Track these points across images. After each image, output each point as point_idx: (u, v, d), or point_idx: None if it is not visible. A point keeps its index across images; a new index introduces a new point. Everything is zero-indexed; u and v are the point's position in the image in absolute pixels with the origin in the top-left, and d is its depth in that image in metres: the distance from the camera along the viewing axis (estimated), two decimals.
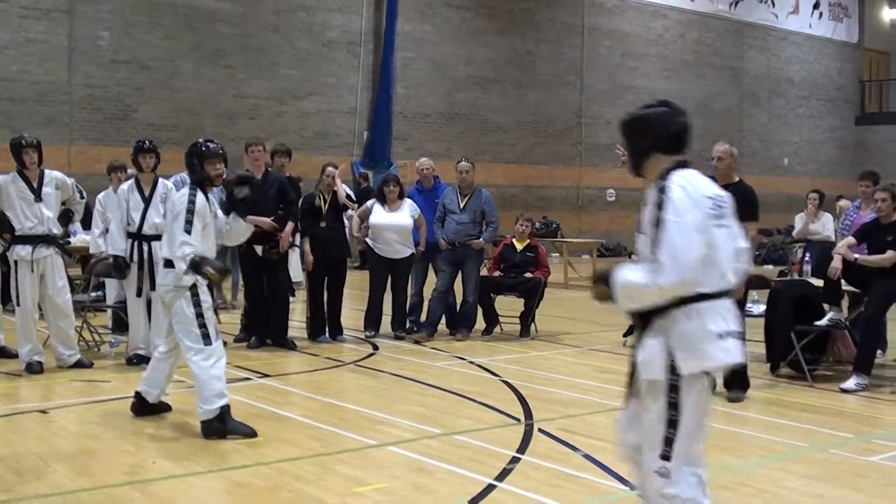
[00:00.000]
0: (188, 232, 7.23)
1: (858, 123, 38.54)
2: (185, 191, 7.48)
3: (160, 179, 10.29)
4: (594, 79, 30.21)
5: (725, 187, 8.44)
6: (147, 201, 10.07)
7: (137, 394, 7.82)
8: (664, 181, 4.27)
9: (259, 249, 11.13)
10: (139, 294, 10.08)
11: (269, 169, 11.67)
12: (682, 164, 4.42)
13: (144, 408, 7.81)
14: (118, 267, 10.06)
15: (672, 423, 4.25)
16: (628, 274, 4.28)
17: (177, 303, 7.29)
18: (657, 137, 4.49)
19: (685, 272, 4.06)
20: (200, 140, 7.77)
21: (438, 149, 25.07)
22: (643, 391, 4.35)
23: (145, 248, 10.03)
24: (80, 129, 20.97)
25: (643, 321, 4.34)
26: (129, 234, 10.07)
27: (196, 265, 7.14)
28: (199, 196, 7.41)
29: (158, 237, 9.93)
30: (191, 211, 7.28)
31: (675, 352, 4.19)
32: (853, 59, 38.78)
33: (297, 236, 11.82)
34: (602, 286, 4.45)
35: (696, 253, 4.08)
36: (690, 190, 4.22)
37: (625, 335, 12.05)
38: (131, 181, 10.30)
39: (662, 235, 4.11)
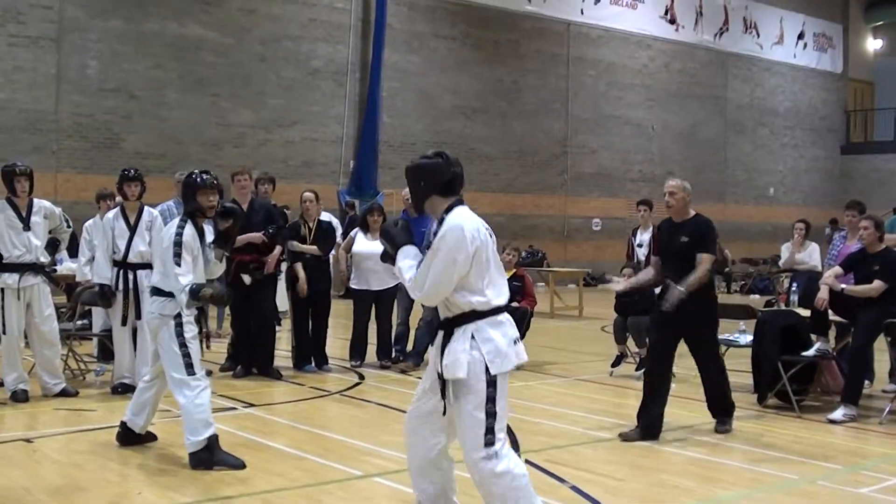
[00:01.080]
0: (178, 264, 7.20)
1: (843, 153, 38.77)
2: (175, 223, 7.45)
3: (146, 207, 10.28)
4: (579, 108, 30.34)
5: (682, 224, 8.57)
6: (133, 229, 10.06)
7: (123, 423, 7.77)
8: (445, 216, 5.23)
9: (246, 278, 11.11)
10: (124, 323, 10.05)
11: (255, 197, 11.67)
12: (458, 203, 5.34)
13: (130, 437, 7.76)
14: (104, 295, 10.03)
15: (491, 415, 5.02)
16: (405, 261, 5.27)
17: (161, 331, 7.27)
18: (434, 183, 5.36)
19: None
20: (196, 171, 7.71)
21: None
22: (452, 391, 5.14)
23: (131, 276, 10.01)
24: (67, 158, 20.96)
25: (447, 328, 5.23)
26: (115, 263, 10.05)
27: (194, 292, 7.16)
28: (188, 228, 7.38)
29: (144, 266, 9.95)
30: (178, 244, 7.25)
31: (485, 356, 5.08)
32: (837, 89, 39.04)
33: (282, 264, 11.81)
34: (383, 238, 5.45)
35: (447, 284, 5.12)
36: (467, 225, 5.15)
37: (612, 365, 12.07)
38: (116, 209, 10.29)
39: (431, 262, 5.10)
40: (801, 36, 37.30)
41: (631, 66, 31.78)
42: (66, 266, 12.73)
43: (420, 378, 11.24)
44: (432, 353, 5.43)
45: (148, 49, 22.08)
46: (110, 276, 10.02)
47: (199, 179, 7.54)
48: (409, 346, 12.41)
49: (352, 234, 12.30)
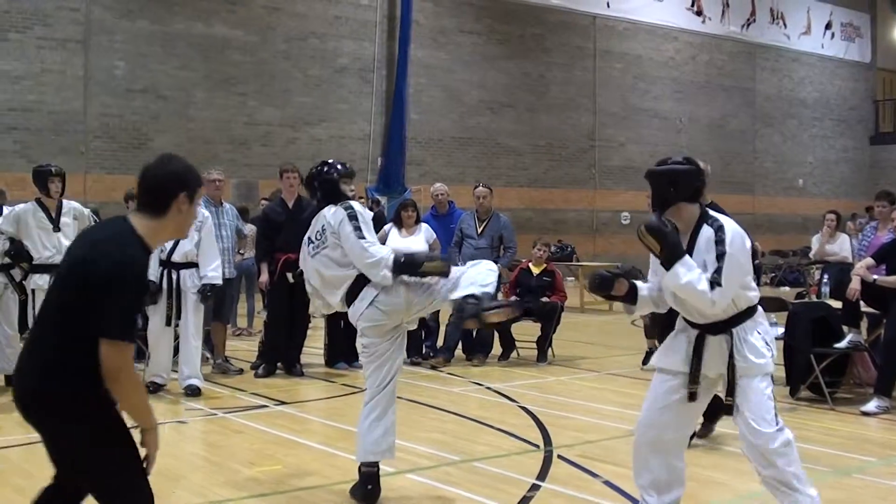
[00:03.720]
0: (363, 238, 6.25)
1: (873, 143, 38.45)
2: (335, 209, 6.53)
3: (198, 208, 10.25)
4: (607, 101, 30.25)
5: None
6: None
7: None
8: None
9: (289, 277, 11.06)
10: (168, 323, 10.06)
11: (301, 195, 11.56)
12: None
13: None
14: (150, 292, 10.00)
15: (771, 396, 5.20)
16: (691, 272, 5.08)
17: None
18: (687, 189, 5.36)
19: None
20: (327, 163, 6.85)
21: (452, 174, 25.13)
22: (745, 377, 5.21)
23: (174, 276, 10.03)
24: (95, 158, 21.09)
25: (721, 329, 5.25)
26: (160, 262, 10.06)
27: (403, 264, 6.22)
28: (356, 204, 6.64)
29: (188, 265, 9.99)
30: (353, 217, 6.36)
31: (769, 344, 5.31)
32: (866, 79, 38.75)
33: None
34: (652, 238, 5.14)
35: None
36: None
37: (644, 361, 12.01)
38: None
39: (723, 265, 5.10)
40: (828, 26, 37.03)
41: (658, 59, 31.66)
42: None
43: (450, 375, 11.27)
44: (680, 356, 5.37)
45: (174, 49, 22.18)
46: (156, 272, 10.02)
47: (338, 168, 6.76)
48: (440, 342, 12.41)
49: (385, 229, 12.23)
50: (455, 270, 6.34)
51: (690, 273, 5.07)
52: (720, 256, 5.11)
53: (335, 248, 6.24)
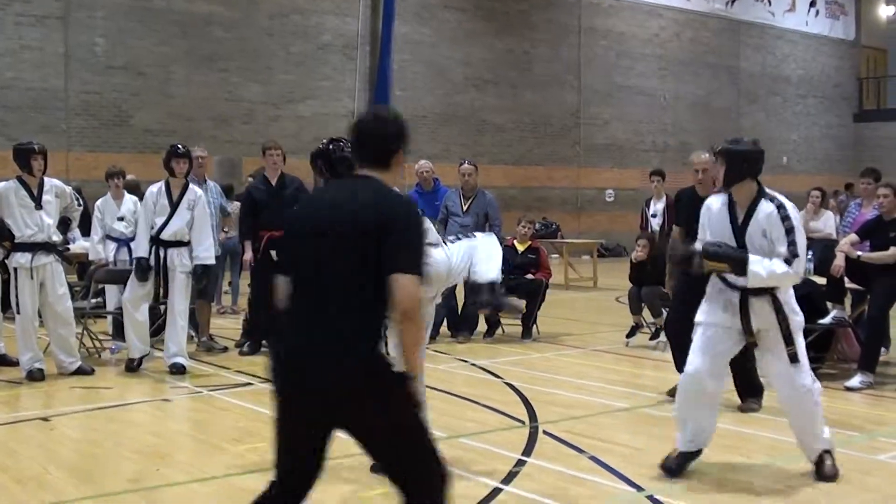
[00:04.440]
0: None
1: (856, 120, 38.51)
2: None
3: (190, 186, 10.25)
4: (591, 79, 30.18)
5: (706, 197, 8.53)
6: (174, 207, 10.00)
7: None
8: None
9: (274, 254, 11.01)
10: (156, 300, 10.02)
11: (284, 172, 11.47)
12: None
13: None
14: (140, 269, 9.94)
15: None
16: (762, 262, 5.95)
17: None
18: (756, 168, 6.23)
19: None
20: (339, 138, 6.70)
21: (437, 151, 25.03)
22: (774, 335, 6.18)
23: (162, 254, 9.97)
24: (76, 136, 20.95)
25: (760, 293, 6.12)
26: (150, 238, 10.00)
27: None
28: None
29: (177, 243, 9.94)
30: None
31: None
32: (850, 57, 38.77)
33: None
34: (715, 261, 6.08)
35: None
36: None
37: (627, 336, 12.04)
38: (161, 184, 10.15)
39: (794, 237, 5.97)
40: (813, 3, 36.98)
41: (642, 36, 31.59)
42: (79, 244, 12.70)
43: (436, 352, 11.24)
44: (728, 313, 6.25)
45: (155, 25, 22.00)
46: (147, 249, 9.95)
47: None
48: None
49: None
50: (462, 246, 6.58)
51: (763, 264, 5.94)
52: (790, 231, 5.96)
53: None
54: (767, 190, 6.22)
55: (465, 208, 12.17)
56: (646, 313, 12.05)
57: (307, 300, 3.96)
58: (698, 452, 6.39)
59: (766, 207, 6.06)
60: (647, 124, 31.49)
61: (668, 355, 11.44)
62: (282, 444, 4.07)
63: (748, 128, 34.13)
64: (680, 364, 7.62)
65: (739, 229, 6.14)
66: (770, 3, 35.40)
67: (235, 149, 22.68)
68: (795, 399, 6.26)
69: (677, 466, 6.32)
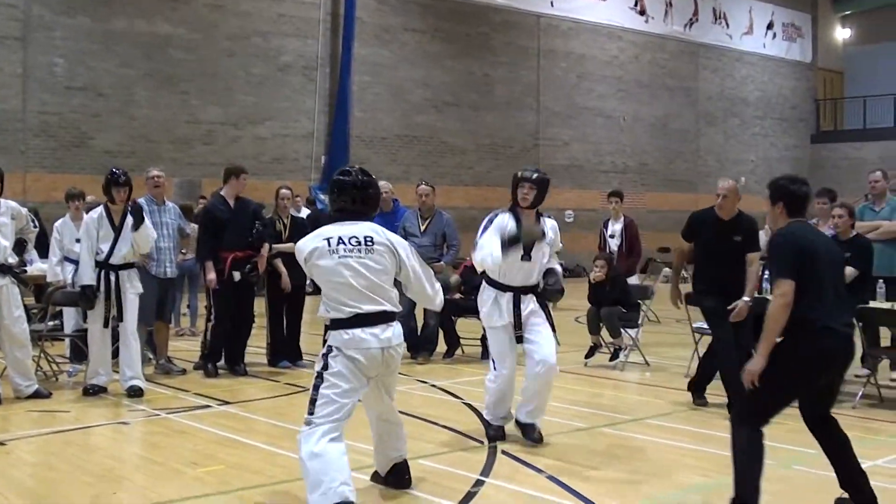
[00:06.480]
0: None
1: (814, 142, 38.95)
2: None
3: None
4: (551, 100, 30.37)
5: (732, 222, 8.89)
6: (118, 231, 9.96)
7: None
8: None
9: (236, 275, 11.00)
10: (107, 324, 9.95)
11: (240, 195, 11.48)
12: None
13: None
14: (86, 297, 9.89)
15: None
16: None
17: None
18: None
19: None
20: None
21: (397, 172, 25.09)
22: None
23: (112, 277, 9.92)
24: (35, 157, 20.83)
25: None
26: (97, 264, 9.94)
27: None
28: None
29: (126, 266, 9.90)
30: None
31: None
32: (807, 79, 39.22)
33: None
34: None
35: None
36: None
37: (586, 356, 12.09)
38: (100, 210, 10.11)
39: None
40: (770, 26, 37.45)
41: (601, 58, 31.83)
42: (36, 266, 12.60)
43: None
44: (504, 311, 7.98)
45: (115, 46, 21.96)
46: (93, 276, 9.90)
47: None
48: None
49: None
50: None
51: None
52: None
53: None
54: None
55: (422, 229, 12.19)
56: (604, 334, 12.10)
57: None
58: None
59: None
60: (607, 145, 31.69)
61: (627, 374, 11.56)
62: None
63: (706, 148, 34.47)
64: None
65: None
66: (728, 26, 35.79)
67: (195, 170, 22.62)
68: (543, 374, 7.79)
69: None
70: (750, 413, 5.85)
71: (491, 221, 8.23)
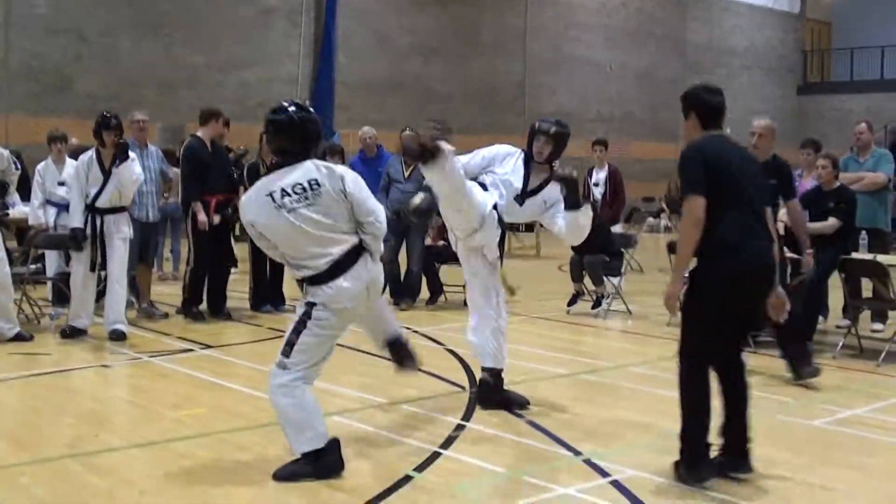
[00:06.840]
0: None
1: (800, 93, 38.88)
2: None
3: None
4: (538, 48, 30.22)
5: (765, 165, 8.49)
6: (107, 175, 9.90)
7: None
8: None
9: (216, 217, 10.98)
10: (93, 268, 9.91)
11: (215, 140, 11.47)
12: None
13: None
14: (75, 239, 9.83)
15: None
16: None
17: None
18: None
19: None
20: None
21: (381, 118, 24.92)
22: None
23: (98, 221, 9.87)
24: (17, 100, 20.65)
25: None
26: (85, 207, 9.88)
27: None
28: None
29: (113, 210, 9.85)
30: None
31: None
32: (795, 30, 39.08)
33: None
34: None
35: None
36: None
37: (569, 304, 12.13)
38: (91, 153, 10.03)
39: None
40: None
41: (589, 6, 31.65)
42: (18, 209, 12.52)
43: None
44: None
45: None
46: (82, 219, 9.85)
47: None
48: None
49: None
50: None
51: None
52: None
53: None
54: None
55: (406, 175, 12.15)
56: (587, 281, 12.14)
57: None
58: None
59: None
60: (594, 94, 31.59)
61: (609, 322, 11.61)
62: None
63: None
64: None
65: None
66: None
67: (180, 115, 22.46)
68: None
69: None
70: (686, 348, 5.57)
71: (492, 162, 7.87)
